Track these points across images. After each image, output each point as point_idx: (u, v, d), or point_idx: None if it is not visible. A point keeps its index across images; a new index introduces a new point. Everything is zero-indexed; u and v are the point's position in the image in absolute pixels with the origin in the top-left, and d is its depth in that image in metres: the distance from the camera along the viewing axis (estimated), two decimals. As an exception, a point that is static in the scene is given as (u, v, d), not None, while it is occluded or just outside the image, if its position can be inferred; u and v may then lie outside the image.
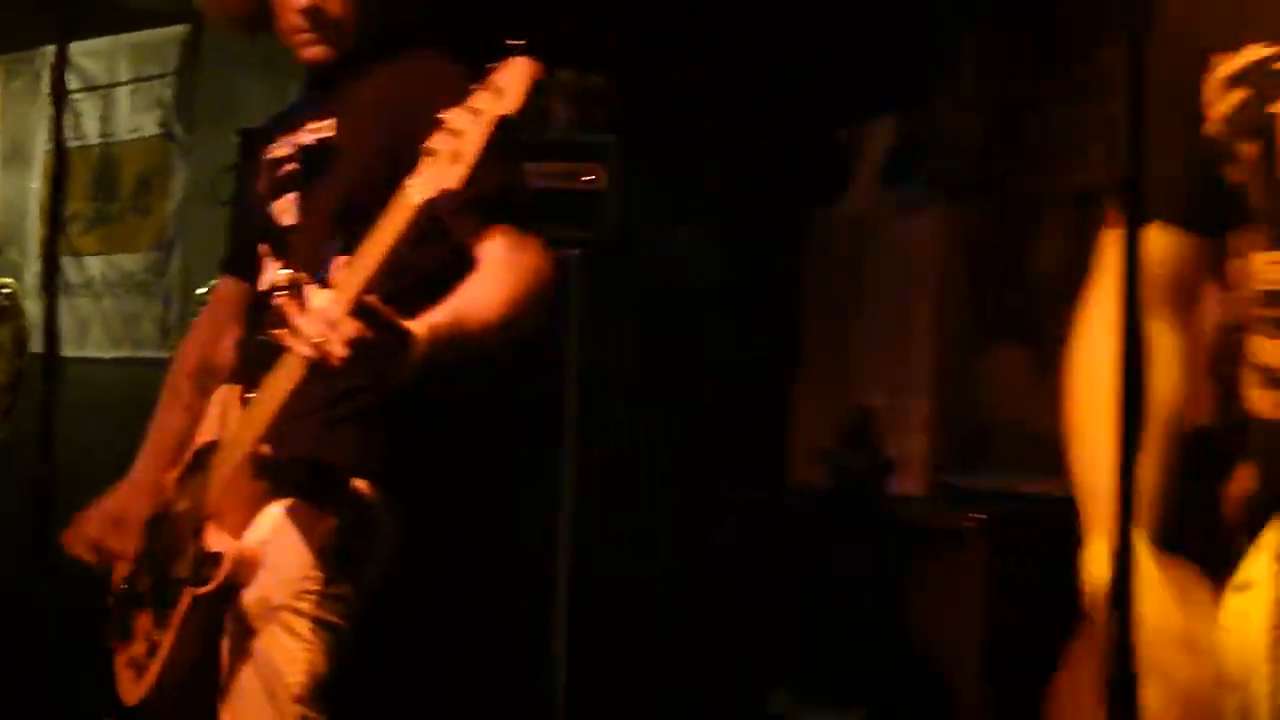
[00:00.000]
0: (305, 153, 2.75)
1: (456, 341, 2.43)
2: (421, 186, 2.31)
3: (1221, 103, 1.82)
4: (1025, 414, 4.72)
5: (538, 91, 2.29)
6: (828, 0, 5.06)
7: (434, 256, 2.54)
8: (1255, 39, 1.80)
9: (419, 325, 2.36)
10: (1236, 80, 1.80)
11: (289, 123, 2.85)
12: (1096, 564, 1.84)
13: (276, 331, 2.28)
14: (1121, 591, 1.47)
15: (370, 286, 2.25)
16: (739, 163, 5.13)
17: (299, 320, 2.21)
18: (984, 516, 4.65)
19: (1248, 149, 1.80)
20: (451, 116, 2.29)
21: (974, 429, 5.08)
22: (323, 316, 2.18)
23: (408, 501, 2.67)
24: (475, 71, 2.34)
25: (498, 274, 2.56)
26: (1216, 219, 1.90)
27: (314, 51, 2.73)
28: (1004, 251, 5.05)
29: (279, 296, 2.30)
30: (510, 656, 4.54)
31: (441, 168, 2.28)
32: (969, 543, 4.67)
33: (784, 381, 5.42)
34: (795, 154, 5.33)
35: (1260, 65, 1.79)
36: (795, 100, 5.17)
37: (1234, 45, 1.82)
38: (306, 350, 2.20)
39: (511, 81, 2.28)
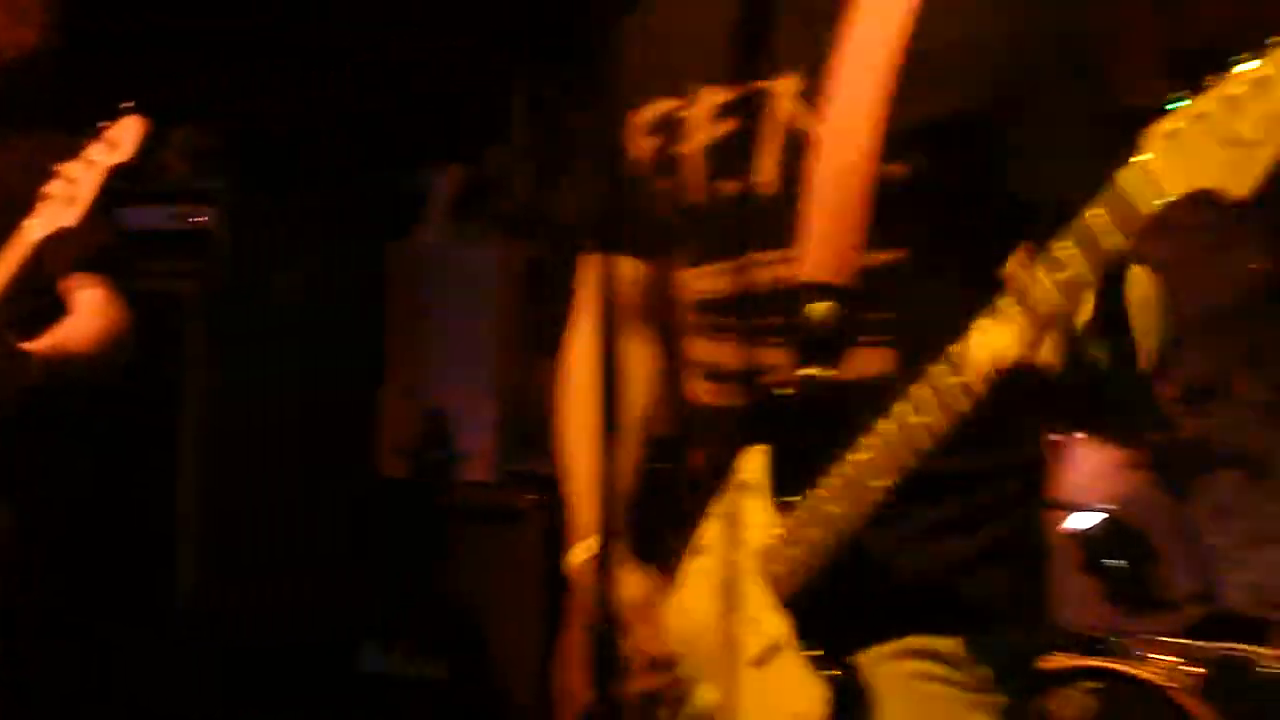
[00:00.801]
0: None
1: (57, 366, 2.97)
2: (40, 225, 2.79)
3: (643, 147, 2.07)
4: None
5: (149, 143, 2.78)
6: (402, 65, 5.82)
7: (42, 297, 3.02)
8: (663, 95, 2.04)
9: (32, 347, 2.89)
10: (653, 129, 2.05)
11: None
12: (579, 552, 2.11)
13: None
14: (604, 573, 1.66)
15: None
16: (329, 204, 5.80)
17: None
18: (539, 497, 5.48)
19: (664, 184, 2.04)
20: (67, 168, 2.76)
21: (533, 425, 5.85)
22: None
23: (17, 498, 3.10)
24: (90, 130, 2.77)
25: (92, 318, 3.11)
26: (660, 245, 2.12)
27: None
28: (552, 277, 5.83)
29: None
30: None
31: (58, 209, 2.76)
32: (529, 520, 5.52)
33: (371, 391, 6.09)
34: (376, 197, 6.04)
35: (668, 115, 2.03)
36: (378, 150, 5.92)
37: (647, 99, 2.06)
38: None
39: (123, 135, 2.81)
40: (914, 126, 1.82)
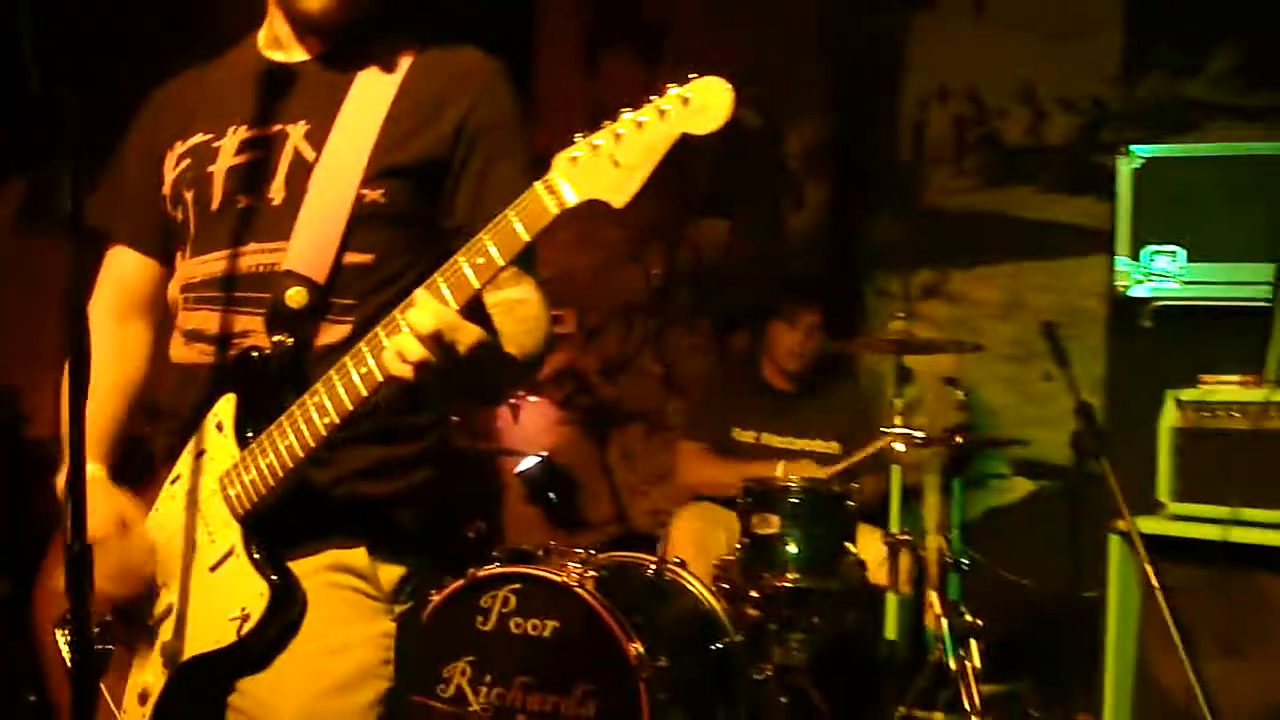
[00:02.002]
0: None
1: None
2: None
3: (173, 171, 2.20)
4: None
5: None
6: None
7: None
8: (200, 130, 2.19)
9: None
10: (185, 155, 2.19)
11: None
12: (60, 478, 1.97)
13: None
14: (77, 504, 1.72)
15: None
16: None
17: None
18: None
19: (189, 195, 2.16)
20: None
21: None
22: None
23: None
24: None
25: None
26: (169, 248, 2.26)
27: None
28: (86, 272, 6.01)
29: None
30: None
31: None
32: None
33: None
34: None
35: (203, 144, 2.17)
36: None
37: (187, 134, 2.20)
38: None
39: None
40: (389, 166, 2.07)
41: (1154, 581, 3.32)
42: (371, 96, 2.11)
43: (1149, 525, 3.45)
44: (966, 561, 4.36)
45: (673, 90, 1.74)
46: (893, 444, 4.22)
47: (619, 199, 1.76)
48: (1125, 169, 4.51)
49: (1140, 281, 4.43)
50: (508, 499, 6.17)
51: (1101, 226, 4.79)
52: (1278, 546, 3.27)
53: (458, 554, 4.25)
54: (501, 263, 1.80)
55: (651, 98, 1.75)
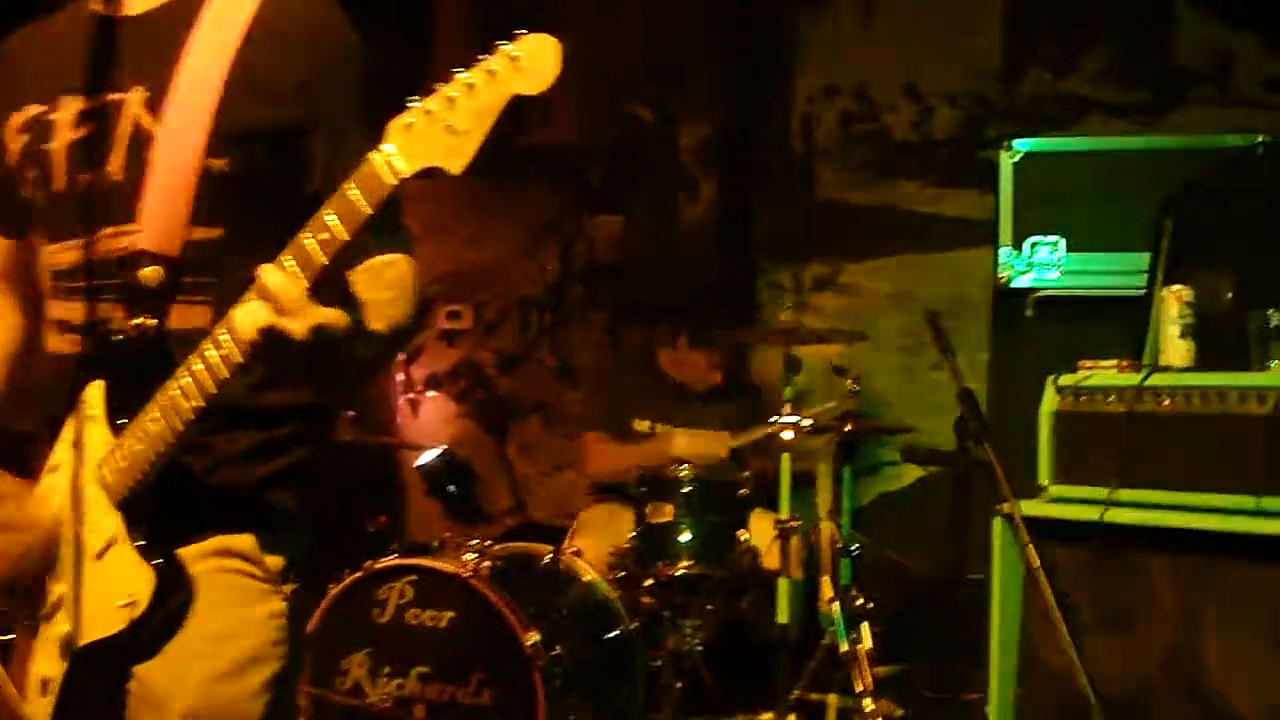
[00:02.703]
0: None
1: None
2: None
3: (15, 143, 2.09)
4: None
5: None
6: None
7: None
8: (36, 102, 2.08)
9: None
10: (23, 129, 2.09)
11: None
12: None
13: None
14: None
15: None
16: None
17: None
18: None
19: (32, 174, 2.07)
20: None
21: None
22: None
23: None
24: None
25: None
26: (20, 225, 2.17)
27: None
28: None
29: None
30: None
31: None
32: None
33: None
34: None
35: (37, 118, 2.07)
36: None
37: (20, 105, 2.09)
38: None
39: None
40: (235, 131, 1.96)
41: (1034, 561, 3.34)
42: (211, 53, 1.99)
43: (1030, 508, 3.47)
44: (857, 546, 4.38)
45: (503, 47, 1.67)
46: (782, 432, 4.23)
47: (455, 165, 1.68)
48: (1007, 163, 4.54)
49: (1023, 272, 4.46)
50: (409, 493, 6.15)
51: (986, 219, 4.82)
52: (1153, 526, 3.30)
53: (360, 548, 4.22)
54: (346, 236, 1.73)
55: (481, 57, 1.67)
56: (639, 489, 4.39)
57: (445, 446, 5.85)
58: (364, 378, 2.12)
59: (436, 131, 1.68)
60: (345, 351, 1.86)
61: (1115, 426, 3.44)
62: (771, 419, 4.35)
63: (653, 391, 5.12)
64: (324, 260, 1.74)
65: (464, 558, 3.98)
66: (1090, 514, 3.40)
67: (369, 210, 1.72)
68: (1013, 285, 4.46)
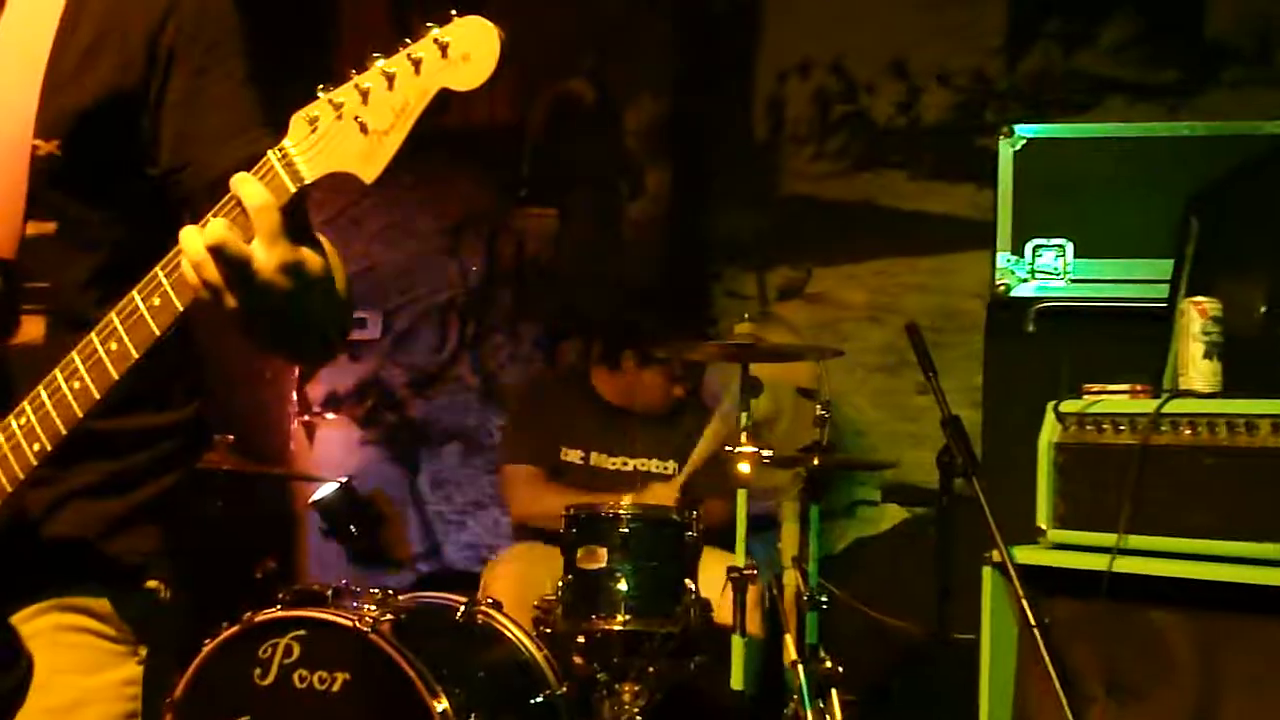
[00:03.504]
0: None
1: None
2: None
3: None
4: None
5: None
6: None
7: None
8: None
9: None
10: None
11: None
12: None
13: None
14: None
15: None
16: None
17: None
18: None
19: None
20: None
21: None
22: None
23: None
24: None
25: None
26: None
27: None
28: None
29: None
30: None
31: None
32: None
33: None
34: None
35: None
36: None
37: None
38: None
39: None
40: (64, 108, 1.90)
41: (1030, 618, 3.33)
42: (34, 17, 1.92)
43: (1026, 555, 3.46)
44: (826, 599, 4.37)
45: (431, 32, 1.63)
46: (738, 465, 4.21)
47: (368, 172, 1.65)
48: (1007, 152, 4.54)
49: (1023, 280, 4.47)
50: (302, 533, 6.13)
51: (982, 218, 4.84)
52: (1170, 577, 3.30)
53: (240, 598, 4.18)
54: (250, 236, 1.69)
55: (406, 41, 1.63)
56: (569, 530, 4.35)
57: (346, 478, 5.85)
58: (328, 348, 2.02)
59: (347, 130, 1.64)
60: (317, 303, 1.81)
61: (1127, 461, 3.44)
62: (725, 449, 4.32)
63: (586, 414, 5.11)
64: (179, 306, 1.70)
65: (363, 609, 3.95)
66: (1097, 563, 3.39)
67: (276, 211, 1.67)
68: (1011, 295, 4.47)
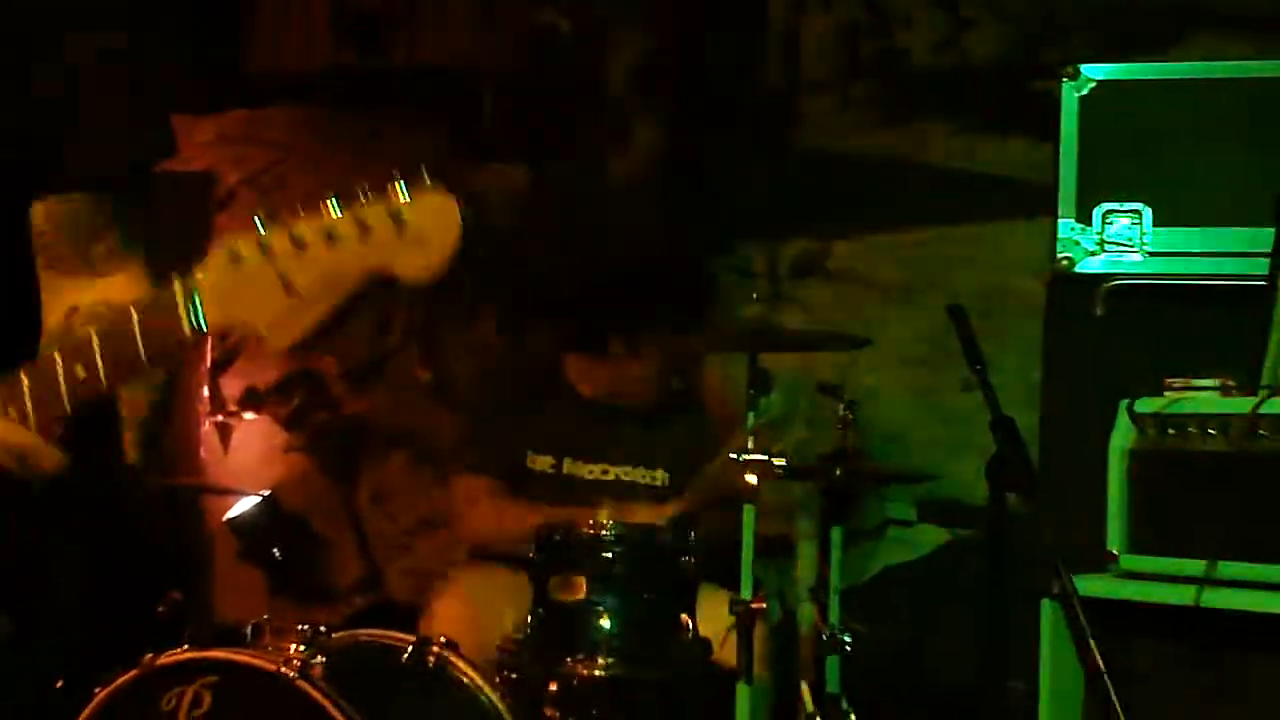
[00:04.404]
0: None
1: None
2: None
3: None
4: None
5: None
6: None
7: None
8: None
9: None
10: None
11: None
12: None
13: None
14: None
15: None
16: None
17: None
18: None
19: None
20: None
21: None
22: None
23: None
24: None
25: None
26: None
27: None
28: None
29: None
30: None
31: None
32: None
33: None
34: None
35: None
36: None
37: None
38: None
39: None
40: None
41: (1099, 663, 3.32)
42: None
43: (1094, 586, 3.47)
44: (851, 639, 4.35)
45: (391, 199, 1.68)
46: (744, 476, 4.20)
47: (278, 338, 1.69)
48: (1072, 98, 4.54)
49: (1091, 253, 4.46)
50: (215, 558, 6.12)
51: (1041, 178, 4.83)
52: (1267, 614, 3.30)
53: (139, 637, 4.18)
54: (105, 384, 1.77)
55: (363, 194, 1.69)
56: (539, 554, 4.34)
57: (268, 492, 5.84)
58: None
59: (268, 283, 1.67)
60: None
61: (1218, 473, 3.45)
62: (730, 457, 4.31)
63: (557, 413, 5.09)
64: (67, 410, 1.79)
65: (288, 650, 3.94)
66: (1180, 596, 3.40)
67: (142, 367, 1.76)
68: (1077, 271, 4.46)
